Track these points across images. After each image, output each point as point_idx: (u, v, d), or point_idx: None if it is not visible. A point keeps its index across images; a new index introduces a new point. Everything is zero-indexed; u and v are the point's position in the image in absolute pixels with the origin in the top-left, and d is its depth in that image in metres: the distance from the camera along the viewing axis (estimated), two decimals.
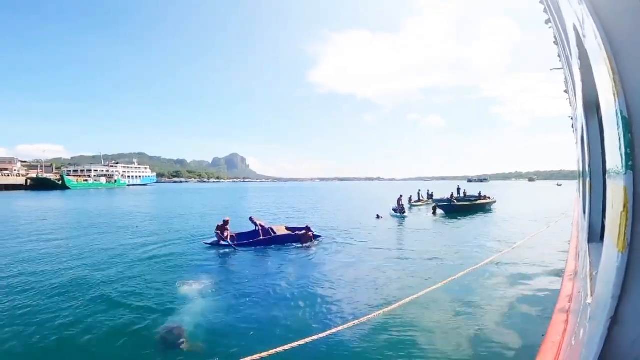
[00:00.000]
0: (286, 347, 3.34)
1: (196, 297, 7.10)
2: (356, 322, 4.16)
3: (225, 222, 12.49)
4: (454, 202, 25.78)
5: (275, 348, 3.31)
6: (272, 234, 12.86)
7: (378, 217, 21.21)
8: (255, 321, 6.00)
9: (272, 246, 12.21)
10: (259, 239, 12.47)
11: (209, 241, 12.32)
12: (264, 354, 3.20)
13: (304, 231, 12.88)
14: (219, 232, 12.20)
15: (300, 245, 12.31)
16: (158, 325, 5.70)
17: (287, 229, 13.48)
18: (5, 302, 6.81)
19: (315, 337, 3.58)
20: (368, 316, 4.33)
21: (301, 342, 3.45)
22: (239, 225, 14.45)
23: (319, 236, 13.29)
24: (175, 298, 7.09)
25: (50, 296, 7.23)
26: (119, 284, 8.08)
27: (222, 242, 12.02)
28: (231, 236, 12.45)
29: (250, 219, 13.47)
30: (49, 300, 6.96)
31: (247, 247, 12.05)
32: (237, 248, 11.81)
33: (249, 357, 3.10)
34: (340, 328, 4.04)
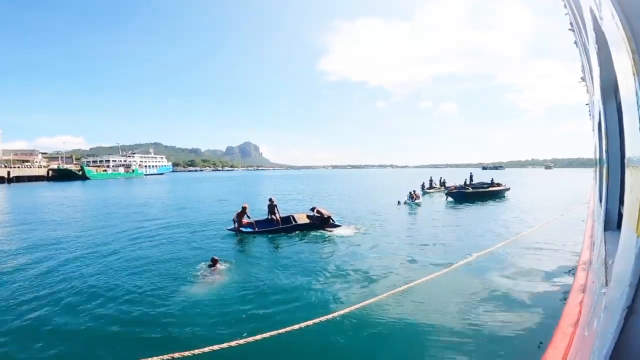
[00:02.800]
0: (301, 325, 3.45)
1: (214, 278, 7.70)
2: (366, 303, 4.27)
3: (244, 209, 12.72)
4: (467, 188, 25.53)
5: (290, 326, 3.46)
6: (293, 222, 13.09)
7: (399, 203, 21.92)
8: (269, 302, 6.27)
9: (292, 233, 12.44)
10: (279, 226, 12.71)
11: (231, 227, 12.54)
12: (273, 333, 3.33)
13: (325, 218, 13.12)
14: (236, 219, 12.44)
15: (319, 232, 12.56)
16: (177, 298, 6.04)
17: (308, 217, 13.57)
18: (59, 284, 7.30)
19: (326, 317, 3.70)
20: (379, 297, 4.44)
21: (315, 320, 3.59)
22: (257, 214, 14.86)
23: (339, 225, 13.36)
24: (195, 278, 7.61)
25: (89, 273, 7.97)
26: (150, 264, 8.81)
27: (242, 229, 12.34)
28: (250, 223, 12.73)
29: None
30: (92, 274, 7.65)
31: (268, 233, 12.34)
32: (258, 232, 12.33)
33: (268, 333, 3.23)
34: (352, 308, 4.14)
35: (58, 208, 22.91)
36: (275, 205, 13.25)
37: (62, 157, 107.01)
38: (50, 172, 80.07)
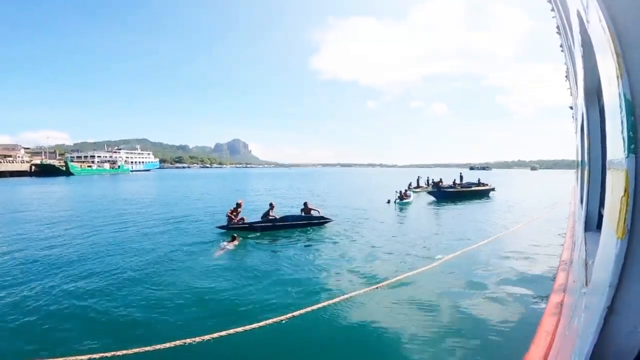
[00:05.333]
0: (287, 316, 3.50)
1: (206, 275, 7.66)
2: (346, 296, 4.34)
3: (238, 205, 12.58)
4: (456, 187, 26.11)
5: (278, 317, 3.60)
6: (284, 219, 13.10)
7: (388, 201, 22.05)
8: (258, 293, 6.45)
9: (284, 230, 12.44)
10: (271, 223, 12.57)
11: (221, 225, 12.39)
12: (262, 323, 3.37)
13: (308, 208, 13.40)
14: (231, 215, 12.28)
15: (311, 228, 12.75)
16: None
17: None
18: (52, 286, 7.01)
19: (314, 307, 3.75)
20: (359, 291, 4.50)
21: (297, 312, 3.69)
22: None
23: (330, 220, 13.44)
24: (187, 278, 7.46)
25: (79, 275, 7.63)
26: (142, 264, 8.49)
27: (234, 226, 12.11)
28: (242, 219, 12.52)
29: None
30: (80, 277, 7.42)
31: (259, 230, 12.24)
32: (249, 227, 12.12)
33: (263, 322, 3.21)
34: (333, 301, 4.23)
35: (42, 203, 22.30)
36: (271, 210, 13.11)
37: (45, 152, 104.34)
38: (33, 167, 78.09)
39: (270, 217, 12.72)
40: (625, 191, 1.14)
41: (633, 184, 1.12)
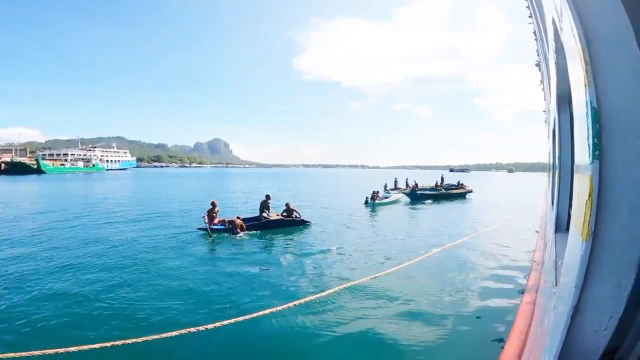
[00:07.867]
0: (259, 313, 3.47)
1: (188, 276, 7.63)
2: (321, 295, 4.41)
3: (214, 205, 12.43)
4: (439, 189, 26.73)
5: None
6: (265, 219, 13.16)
7: (366, 202, 21.96)
8: (237, 291, 6.53)
9: (265, 230, 12.51)
10: (252, 224, 12.59)
11: (201, 226, 12.22)
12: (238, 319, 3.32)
13: (295, 218, 13.57)
14: (206, 217, 12.10)
15: (290, 228, 12.95)
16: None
17: (282, 214, 13.73)
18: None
19: (286, 306, 3.78)
20: (330, 290, 4.63)
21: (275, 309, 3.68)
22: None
23: (308, 222, 13.57)
24: (170, 279, 7.39)
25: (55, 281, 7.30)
26: (125, 267, 8.24)
27: (212, 227, 11.97)
28: (223, 221, 12.42)
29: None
30: (58, 279, 7.22)
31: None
32: (229, 229, 12.02)
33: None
34: (309, 298, 4.27)
35: (12, 202, 21.29)
36: (265, 203, 13.17)
37: (15, 150, 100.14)
38: (3, 165, 74.85)
39: (264, 211, 13.05)
40: (589, 195, 1.18)
41: (597, 189, 1.16)
